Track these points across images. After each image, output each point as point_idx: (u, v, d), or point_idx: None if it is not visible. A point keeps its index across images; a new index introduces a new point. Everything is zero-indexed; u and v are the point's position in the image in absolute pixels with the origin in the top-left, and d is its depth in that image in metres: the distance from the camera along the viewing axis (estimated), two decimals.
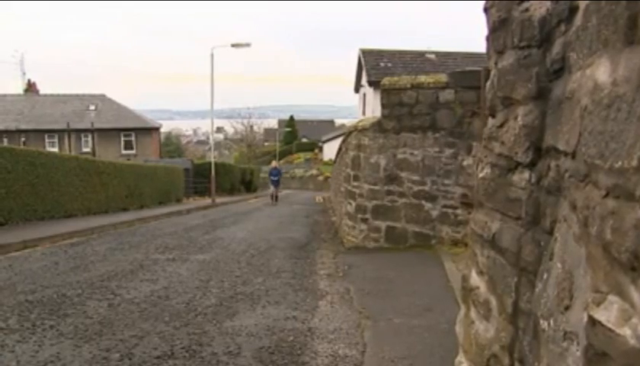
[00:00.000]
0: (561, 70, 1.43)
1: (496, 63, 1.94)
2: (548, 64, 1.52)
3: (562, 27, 1.39)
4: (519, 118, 1.71)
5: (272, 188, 21.81)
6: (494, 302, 1.86)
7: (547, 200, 1.51)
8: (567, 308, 1.13)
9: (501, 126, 1.93)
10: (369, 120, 8.48)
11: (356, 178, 8.27)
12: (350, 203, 8.44)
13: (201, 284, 5.87)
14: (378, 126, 7.92)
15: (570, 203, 1.25)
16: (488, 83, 2.10)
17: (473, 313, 2.12)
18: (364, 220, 8.06)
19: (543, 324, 1.28)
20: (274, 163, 24.01)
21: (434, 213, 7.63)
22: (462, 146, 7.47)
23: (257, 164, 47.67)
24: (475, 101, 7.19)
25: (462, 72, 7.73)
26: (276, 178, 22.15)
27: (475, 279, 2.17)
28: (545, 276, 1.38)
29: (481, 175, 2.23)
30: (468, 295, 2.24)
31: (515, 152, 1.76)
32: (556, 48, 1.45)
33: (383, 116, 7.91)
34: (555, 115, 1.45)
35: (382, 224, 7.92)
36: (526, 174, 1.68)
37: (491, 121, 2.11)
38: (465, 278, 2.46)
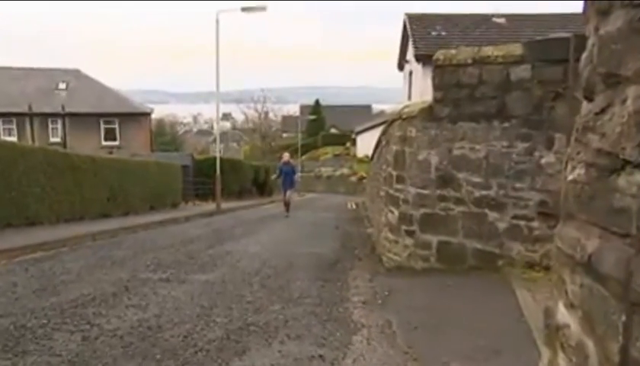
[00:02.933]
0: None
1: (597, 28, 1.86)
2: None
3: None
4: (628, 101, 1.63)
5: (286, 192, 19.68)
6: (591, 346, 1.79)
7: None
8: None
9: (602, 112, 1.86)
10: (416, 106, 8.43)
11: (399, 179, 8.24)
12: (392, 212, 8.41)
13: (203, 312, 5.90)
14: (428, 114, 7.86)
15: None
16: (584, 55, 2.02)
17: (562, 361, 2.05)
18: (410, 233, 8.02)
19: None
20: (286, 156, 20.59)
21: (502, 226, 7.52)
22: (540, 139, 7.33)
23: (273, 160, 47.94)
24: (561, 80, 7.05)
25: (544, 41, 7.57)
26: (288, 178, 19.66)
27: (564, 314, 2.10)
28: None
29: (571, 178, 2.16)
30: (554, 336, 2.17)
31: (622, 148, 1.69)
32: None
33: (436, 100, 7.85)
34: None
35: (433, 238, 7.87)
36: (638, 177, 1.60)
37: (586, 106, 2.04)
38: (548, 313, 2.39)
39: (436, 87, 7.86)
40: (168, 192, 22.35)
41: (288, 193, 19.61)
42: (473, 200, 7.66)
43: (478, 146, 7.62)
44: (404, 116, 8.27)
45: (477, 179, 7.63)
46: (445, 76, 7.76)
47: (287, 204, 19.57)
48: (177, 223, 16.93)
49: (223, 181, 24.43)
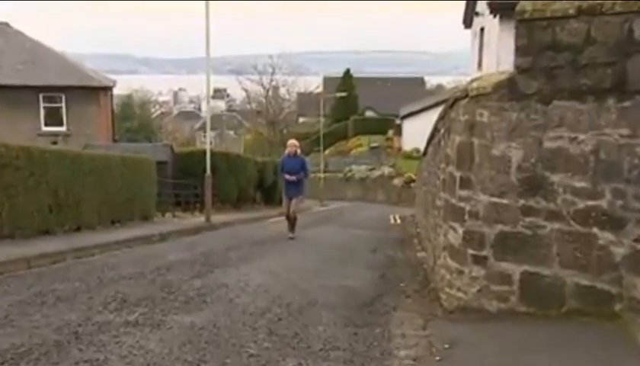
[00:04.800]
0: None
1: None
2: None
3: None
4: None
5: (291, 200, 18.78)
6: None
7: None
8: None
9: None
10: (490, 79, 8.38)
11: (465, 183, 8.21)
12: (454, 229, 8.39)
13: None
14: (509, 90, 7.83)
15: None
16: None
17: None
18: (480, 260, 8.00)
19: None
20: (293, 145, 19.27)
21: (620, 253, 7.40)
22: None
23: None
24: None
25: None
26: (294, 178, 18.51)
27: None
28: None
29: None
30: None
31: None
32: None
33: (520, 70, 7.82)
34: None
35: (515, 269, 7.83)
36: None
37: None
38: None
39: (520, 50, 7.83)
40: (136, 199, 22.43)
41: (294, 201, 18.62)
42: (575, 213, 7.58)
43: (582, 136, 7.54)
44: (472, 93, 8.19)
45: (581, 184, 7.55)
46: (535, 35, 7.72)
47: (292, 219, 18.73)
48: (151, 242, 17.05)
49: (216, 183, 24.54)
